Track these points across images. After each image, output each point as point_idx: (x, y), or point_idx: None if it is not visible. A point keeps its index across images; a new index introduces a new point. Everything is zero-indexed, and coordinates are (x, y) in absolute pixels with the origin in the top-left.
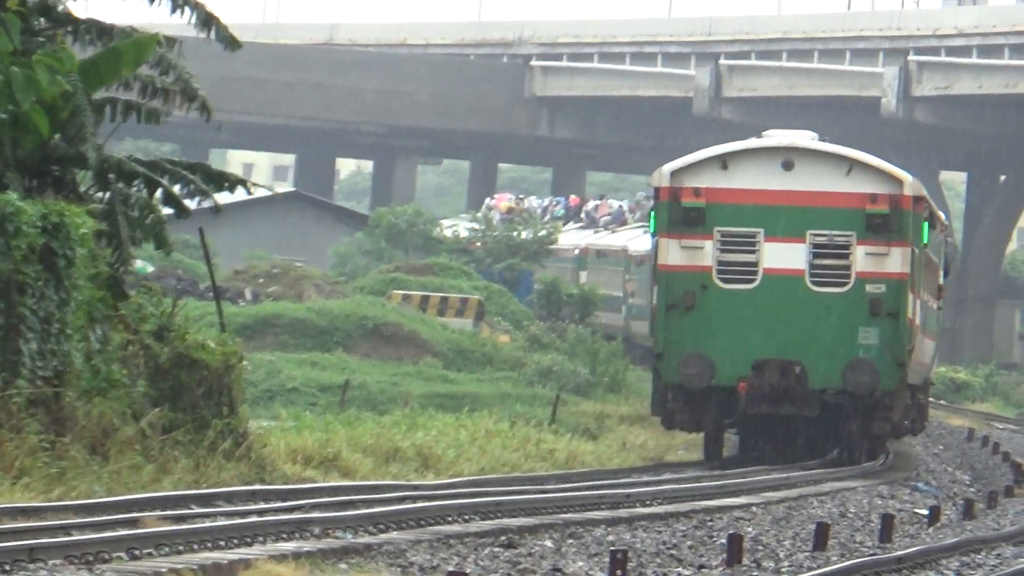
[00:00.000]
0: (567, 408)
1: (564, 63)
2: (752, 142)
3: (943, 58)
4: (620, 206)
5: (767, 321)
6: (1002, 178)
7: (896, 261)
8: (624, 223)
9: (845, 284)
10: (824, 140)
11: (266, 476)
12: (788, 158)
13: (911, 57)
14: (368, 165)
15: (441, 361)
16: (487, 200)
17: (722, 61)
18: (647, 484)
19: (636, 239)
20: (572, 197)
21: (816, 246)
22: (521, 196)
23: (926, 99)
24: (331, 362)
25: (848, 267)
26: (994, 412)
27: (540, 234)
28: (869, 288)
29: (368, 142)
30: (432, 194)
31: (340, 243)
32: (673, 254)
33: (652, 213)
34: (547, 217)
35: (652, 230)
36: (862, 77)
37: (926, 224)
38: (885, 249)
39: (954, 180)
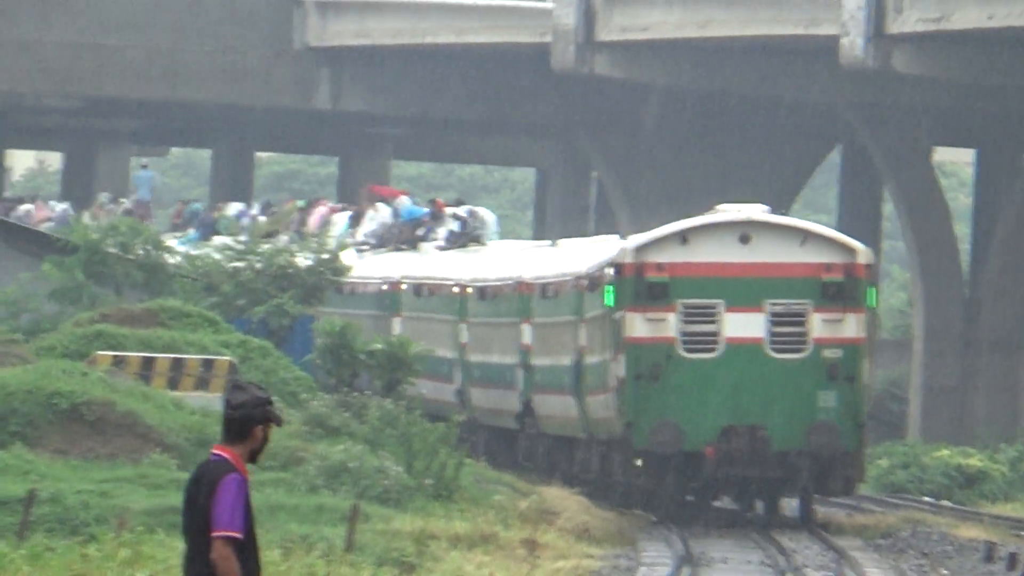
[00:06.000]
0: (371, 526)
1: None
2: (710, 217)
3: None
4: (64, 209)
5: (731, 388)
6: None
7: (852, 327)
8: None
9: (803, 350)
10: (777, 213)
11: None
12: (745, 232)
13: None
14: (55, 158)
15: (175, 458)
16: None
17: None
18: None
19: (474, 264)
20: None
21: (774, 314)
22: None
23: (910, 38)
24: (6, 463)
25: (805, 334)
26: None
27: (324, 257)
28: (826, 353)
29: (52, 123)
30: (158, 199)
31: (13, 280)
32: (639, 326)
33: (612, 287)
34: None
35: (612, 303)
36: (809, 6)
37: (874, 289)
38: (840, 315)
39: (956, 161)
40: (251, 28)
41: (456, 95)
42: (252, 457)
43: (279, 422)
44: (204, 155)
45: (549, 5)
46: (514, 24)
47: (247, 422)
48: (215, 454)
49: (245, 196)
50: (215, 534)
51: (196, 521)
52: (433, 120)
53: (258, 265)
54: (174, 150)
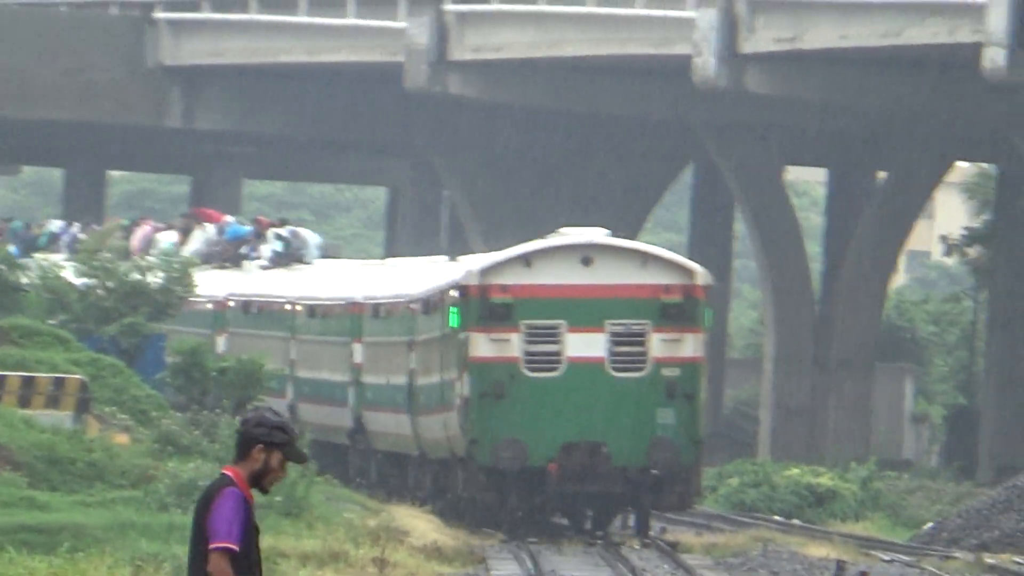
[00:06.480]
0: None
1: (204, 15)
2: (553, 240)
3: None
4: None
5: (573, 405)
6: (881, 176)
7: (689, 346)
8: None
9: (642, 369)
10: (616, 235)
11: None
12: (587, 254)
13: None
14: None
15: (25, 476)
16: None
17: (448, 6)
18: None
19: (305, 283)
20: None
21: (615, 335)
22: None
23: (762, 57)
24: None
25: (645, 353)
26: (875, 535)
27: (174, 275)
28: (665, 372)
29: None
30: (6, 217)
31: None
32: (483, 347)
33: (457, 309)
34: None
35: (457, 324)
36: (662, 25)
37: (711, 310)
38: (679, 335)
39: (808, 180)
40: (104, 47)
41: (309, 114)
42: (256, 482)
43: (294, 455)
44: (56, 174)
45: (402, 24)
46: (367, 43)
47: (247, 440)
48: (221, 472)
49: (97, 215)
50: (211, 546)
51: (196, 536)
52: (286, 139)
53: (109, 283)
54: (26, 169)
